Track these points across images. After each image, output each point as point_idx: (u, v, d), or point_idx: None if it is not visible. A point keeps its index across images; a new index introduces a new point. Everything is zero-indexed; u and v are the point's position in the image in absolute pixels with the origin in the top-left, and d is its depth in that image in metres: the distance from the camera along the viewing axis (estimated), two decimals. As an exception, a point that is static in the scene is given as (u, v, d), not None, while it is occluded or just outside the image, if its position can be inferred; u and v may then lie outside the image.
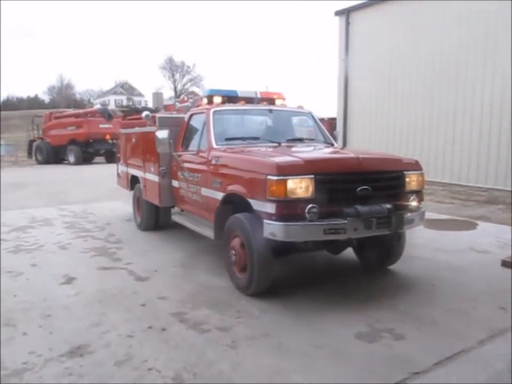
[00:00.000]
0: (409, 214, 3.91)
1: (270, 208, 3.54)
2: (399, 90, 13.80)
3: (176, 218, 6.05)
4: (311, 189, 3.52)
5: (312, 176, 3.54)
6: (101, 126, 22.80)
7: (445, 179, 12.41)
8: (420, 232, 6.04)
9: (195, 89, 64.75)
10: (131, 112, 30.56)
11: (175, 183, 5.77)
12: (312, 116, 5.83)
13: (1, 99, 72.29)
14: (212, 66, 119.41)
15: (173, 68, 70.61)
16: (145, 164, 6.47)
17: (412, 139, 13.40)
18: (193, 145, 5.36)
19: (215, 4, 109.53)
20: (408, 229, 4.09)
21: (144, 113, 6.67)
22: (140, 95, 78.29)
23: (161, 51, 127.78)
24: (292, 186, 3.47)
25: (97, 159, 24.20)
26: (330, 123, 32.60)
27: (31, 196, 10.88)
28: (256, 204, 3.73)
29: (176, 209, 6.26)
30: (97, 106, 37.24)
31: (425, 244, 5.77)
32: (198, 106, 5.97)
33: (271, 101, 6.06)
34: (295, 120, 5.82)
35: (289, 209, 3.49)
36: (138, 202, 7.00)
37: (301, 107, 6.08)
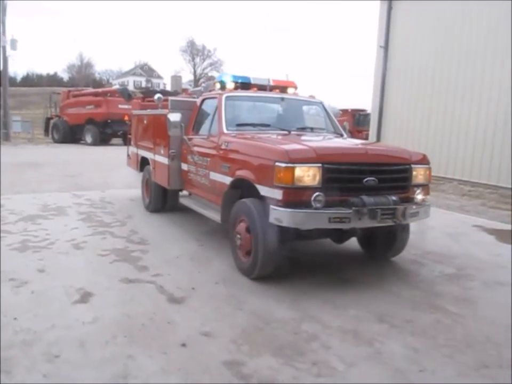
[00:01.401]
0: (414, 207, 3.93)
1: (277, 194, 3.58)
2: (442, 87, 12.52)
3: (184, 201, 6.01)
4: (318, 177, 3.56)
5: (320, 165, 3.57)
6: (120, 106, 21.88)
7: (491, 181, 11.22)
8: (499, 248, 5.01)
9: (215, 73, 63.44)
10: (150, 94, 29.56)
11: (184, 166, 5.75)
12: (323, 106, 5.81)
13: (21, 75, 72.12)
14: (234, 51, 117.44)
15: (193, 52, 69.18)
16: (156, 146, 6.45)
17: (455, 140, 12.13)
18: (204, 130, 5.33)
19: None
20: (412, 222, 4.14)
21: (156, 96, 6.65)
22: (159, 77, 77.22)
23: (182, 34, 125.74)
24: (299, 174, 3.51)
25: (114, 140, 23.35)
26: (354, 114, 31.58)
27: (44, 178, 9.97)
28: (263, 190, 3.76)
29: (184, 192, 6.23)
30: (116, 87, 36.37)
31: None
32: (210, 91, 5.89)
33: (283, 89, 5.98)
34: (305, 109, 5.83)
35: (295, 196, 3.54)
36: (147, 184, 7.01)
37: (312, 96, 6.05)
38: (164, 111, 5.96)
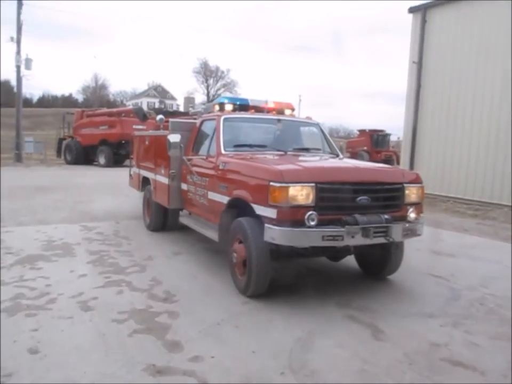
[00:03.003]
0: (407, 225, 3.96)
1: (271, 213, 3.64)
2: (485, 105, 11.35)
3: (183, 220, 6.06)
4: (311, 196, 3.63)
5: (313, 184, 3.64)
6: (134, 126, 20.97)
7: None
8: None
9: (228, 94, 63.16)
10: (166, 114, 28.84)
11: (184, 186, 5.82)
12: (320, 127, 5.91)
13: (37, 96, 72.72)
14: (248, 72, 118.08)
15: (207, 73, 69.12)
16: (156, 166, 6.55)
17: (501, 167, 10.85)
18: (203, 150, 5.42)
19: (257, 6, 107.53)
20: (406, 239, 4.20)
21: (158, 117, 6.71)
22: (173, 98, 77.18)
23: (196, 55, 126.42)
24: (293, 193, 3.58)
25: (127, 161, 22.43)
26: (372, 135, 30.46)
27: (52, 205, 8.91)
28: (258, 209, 3.82)
29: (184, 211, 6.20)
30: (130, 107, 35.88)
31: None
32: (210, 113, 5.92)
33: (280, 111, 6.06)
34: (303, 130, 5.90)
35: (289, 215, 3.60)
36: (148, 203, 7.06)
37: (309, 118, 6.26)
38: (165, 132, 5.97)
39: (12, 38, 22.34)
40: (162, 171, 6.22)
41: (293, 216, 3.58)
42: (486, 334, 3.40)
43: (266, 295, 4.04)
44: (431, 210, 10.61)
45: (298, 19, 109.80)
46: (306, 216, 3.54)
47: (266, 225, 3.67)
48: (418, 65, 13.58)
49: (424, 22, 13.49)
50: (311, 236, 3.56)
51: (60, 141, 24.10)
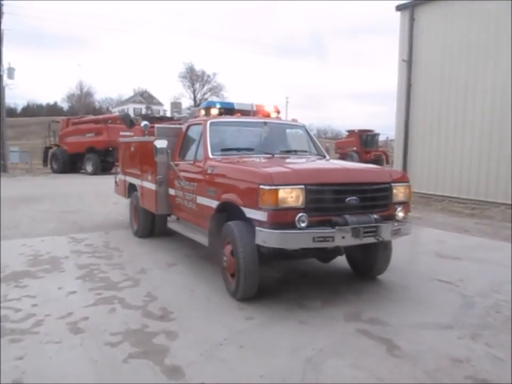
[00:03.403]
0: (395, 224, 3.99)
1: (261, 216, 3.64)
2: (477, 103, 11.26)
3: (172, 226, 6.00)
4: (301, 198, 3.63)
5: (303, 186, 3.65)
6: (121, 133, 20.57)
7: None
8: None
9: (214, 98, 62.87)
10: (153, 120, 28.47)
11: (171, 191, 5.79)
12: (306, 129, 5.94)
13: (22, 105, 71.57)
14: (235, 75, 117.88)
15: (193, 77, 68.68)
16: (143, 173, 6.50)
17: (495, 160, 10.76)
18: (190, 155, 5.40)
19: (242, 8, 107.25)
20: (394, 239, 4.19)
21: (143, 123, 6.65)
22: (159, 103, 76.62)
23: (181, 59, 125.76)
24: (283, 196, 3.58)
25: (115, 169, 22.02)
26: (361, 135, 30.39)
27: (38, 216, 8.56)
28: (248, 212, 3.81)
29: (172, 217, 6.22)
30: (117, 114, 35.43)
31: None
32: (196, 117, 5.95)
33: (266, 114, 6.18)
34: (289, 132, 5.93)
35: (280, 218, 3.60)
36: (135, 210, 6.99)
37: (295, 120, 6.24)
38: (151, 138, 5.95)
39: (-8, 48, 21.88)
40: (149, 177, 6.17)
41: (283, 219, 3.59)
42: (508, 346, 3.18)
43: (270, 309, 3.79)
44: (427, 210, 10.46)
45: (282, 21, 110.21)
46: (296, 218, 3.55)
47: (257, 228, 3.66)
48: (408, 63, 13.48)
49: (412, 20, 13.41)
50: (302, 237, 3.58)
51: (46, 149, 23.62)
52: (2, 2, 21.61)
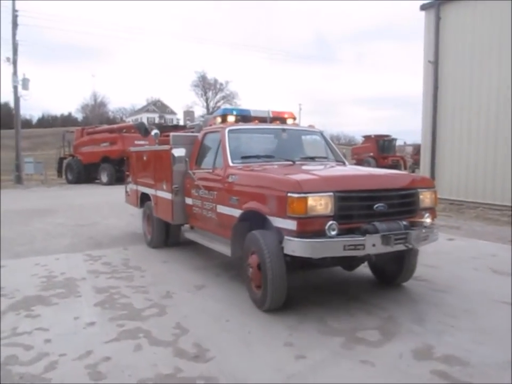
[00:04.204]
0: (423, 231, 3.90)
1: (290, 225, 3.55)
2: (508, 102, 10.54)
3: (189, 235, 5.88)
4: (330, 206, 3.55)
5: (332, 193, 3.57)
6: (136, 142, 20.25)
7: None
8: None
9: (227, 106, 62.68)
10: (168, 128, 28.20)
11: (188, 201, 5.67)
12: (323, 135, 5.87)
13: (37, 117, 72.33)
14: (248, 83, 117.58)
15: (205, 86, 68.69)
16: (157, 182, 6.36)
17: None
18: (207, 163, 5.30)
19: (254, 18, 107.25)
20: (423, 245, 4.09)
21: (153, 132, 6.73)
22: (172, 112, 76.84)
23: (194, 68, 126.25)
24: (312, 204, 3.49)
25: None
26: (377, 140, 29.60)
27: (53, 231, 8.12)
28: (275, 221, 3.72)
29: (186, 226, 6.12)
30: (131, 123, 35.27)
31: None
32: (210, 125, 5.87)
33: (282, 120, 6.07)
34: (306, 139, 5.85)
35: (309, 226, 3.52)
36: (148, 219, 6.85)
37: (312, 126, 6.14)
38: (166, 147, 5.90)
39: (8, 59, 21.81)
40: (164, 186, 6.03)
41: (312, 227, 3.51)
42: None
43: (322, 344, 3.21)
44: (462, 219, 9.76)
45: (295, 27, 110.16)
46: (327, 226, 3.46)
47: (286, 237, 3.59)
48: (435, 64, 12.85)
49: (438, 18, 12.81)
50: (332, 246, 3.49)
51: (61, 160, 23.42)
52: (17, 13, 21.55)
